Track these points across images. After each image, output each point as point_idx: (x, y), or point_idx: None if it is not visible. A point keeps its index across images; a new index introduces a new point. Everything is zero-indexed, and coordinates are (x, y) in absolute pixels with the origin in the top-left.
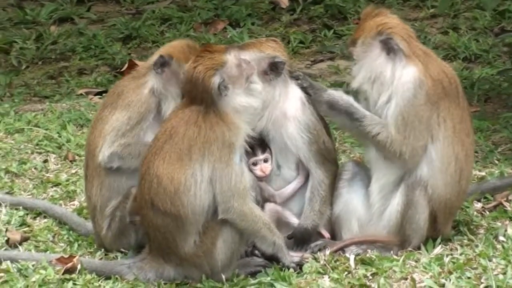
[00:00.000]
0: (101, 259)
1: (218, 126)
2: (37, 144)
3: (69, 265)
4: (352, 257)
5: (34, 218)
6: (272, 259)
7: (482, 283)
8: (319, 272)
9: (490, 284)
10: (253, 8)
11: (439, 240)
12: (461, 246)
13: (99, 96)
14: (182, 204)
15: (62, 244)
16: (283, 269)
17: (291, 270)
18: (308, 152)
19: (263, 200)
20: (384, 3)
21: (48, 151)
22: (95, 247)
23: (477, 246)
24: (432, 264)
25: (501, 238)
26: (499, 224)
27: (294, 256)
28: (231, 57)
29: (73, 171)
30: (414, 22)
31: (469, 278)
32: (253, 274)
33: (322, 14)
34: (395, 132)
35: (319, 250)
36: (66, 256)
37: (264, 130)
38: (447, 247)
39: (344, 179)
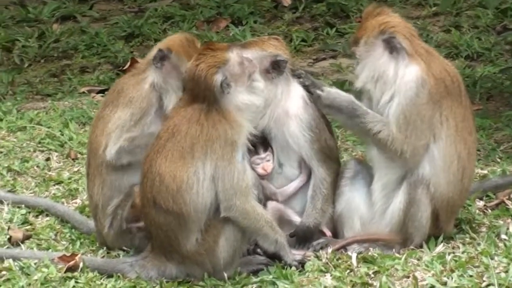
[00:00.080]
0: (103, 257)
1: (221, 124)
2: (40, 142)
3: (71, 263)
4: (354, 255)
5: (36, 216)
6: (274, 257)
7: (484, 281)
8: (321, 270)
9: (492, 282)
10: (256, 6)
11: (441, 238)
12: (463, 244)
13: (102, 94)
14: (185, 202)
15: (64, 242)
16: (285, 267)
17: (293, 268)
18: (310, 150)
19: (265, 198)
20: (386, 1)
21: (51, 149)
22: (97, 245)
23: (479, 244)
24: (434, 262)
25: (503, 236)
26: (501, 222)
27: (296, 254)
28: (233, 55)
29: (76, 169)
30: (416, 20)
31: (471, 276)
32: (255, 272)
33: (325, 12)
34: (396, 130)
35: (321, 248)
36: (68, 254)
37: (266, 128)
38: (449, 245)
39: (346, 177)
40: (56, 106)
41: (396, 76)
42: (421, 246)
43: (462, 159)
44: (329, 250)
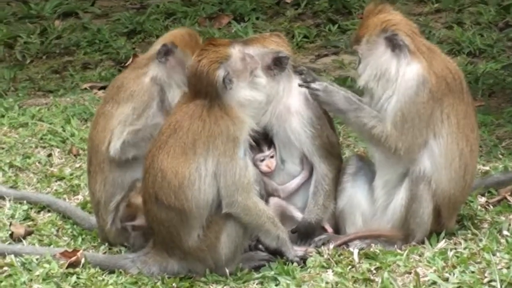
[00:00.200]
0: (105, 253)
1: (223, 120)
2: (41, 138)
3: (73, 259)
4: (356, 251)
5: (38, 212)
6: (276, 253)
7: (486, 277)
8: (323, 266)
9: (494, 278)
10: (258, 2)
11: (443, 234)
12: (465, 240)
13: (103, 91)
14: (186, 198)
15: (66, 238)
16: (287, 263)
17: (295, 264)
18: (311, 147)
19: (267, 194)
20: None
21: (52, 145)
22: (99, 241)
23: (481, 240)
24: (436, 258)
25: (505, 232)
26: (503, 218)
27: (298, 250)
28: (235, 51)
29: (77, 165)
30: (419, 17)
31: (473, 272)
32: (257, 268)
33: (327, 8)
34: (391, 127)
35: (323, 244)
36: (70, 250)
37: (268, 125)
38: (451, 241)
39: (348, 173)
40: (58, 102)
41: (398, 74)
42: (423, 242)
43: (464, 156)
44: (331, 246)
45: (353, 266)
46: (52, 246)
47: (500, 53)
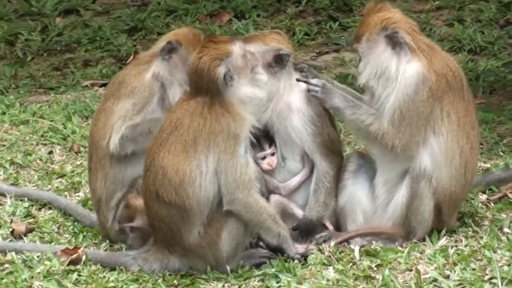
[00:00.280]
0: (106, 250)
1: (224, 118)
2: (42, 136)
3: (74, 256)
4: (357, 249)
5: (39, 209)
6: (277, 251)
7: (486, 274)
8: (323, 264)
9: (494, 275)
10: (259, 0)
11: (444, 231)
12: (466, 237)
13: (104, 88)
14: (187, 195)
15: (67, 236)
16: (288, 260)
17: (296, 261)
18: (312, 144)
19: (268, 192)
20: None
21: (53, 143)
22: (100, 238)
23: (482, 237)
24: (437, 256)
25: (506, 229)
26: (504, 215)
27: (299, 247)
28: (236, 48)
29: (78, 163)
30: (420, 14)
31: (473, 269)
32: (258, 266)
33: (328, 6)
34: (387, 124)
35: (324, 241)
36: (71, 248)
37: (269, 122)
38: (452, 238)
39: (349, 170)
40: (59, 100)
41: (398, 72)
42: (423, 240)
43: (464, 153)
44: (332, 243)
45: (354, 263)
46: (53, 243)
47: (501, 51)
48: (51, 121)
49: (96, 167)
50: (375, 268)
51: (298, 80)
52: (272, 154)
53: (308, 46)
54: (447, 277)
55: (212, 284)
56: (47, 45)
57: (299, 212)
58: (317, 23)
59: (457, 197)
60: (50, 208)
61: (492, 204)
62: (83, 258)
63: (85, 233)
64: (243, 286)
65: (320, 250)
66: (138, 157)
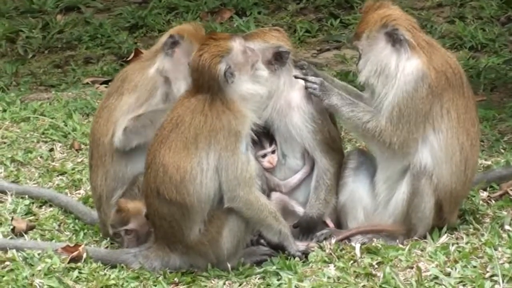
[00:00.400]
0: (106, 248)
1: (225, 115)
2: (43, 133)
3: (75, 254)
4: (358, 246)
5: (40, 207)
6: (278, 248)
7: (487, 272)
8: (324, 261)
9: (495, 273)
10: None
11: (444, 229)
12: (467, 235)
13: (105, 85)
14: (188, 192)
15: (68, 233)
16: (289, 258)
17: (297, 259)
18: (313, 141)
19: (269, 189)
20: None
21: (54, 140)
22: (101, 236)
23: (482, 235)
24: (438, 253)
25: (507, 227)
26: (504, 213)
27: (300, 245)
28: (236, 44)
29: (79, 160)
30: (421, 11)
31: (474, 267)
32: (259, 263)
33: (329, 3)
34: (385, 122)
35: (325, 239)
36: (71, 245)
37: (269, 119)
38: (453, 236)
39: (349, 168)
40: (60, 97)
41: (398, 69)
42: (424, 237)
43: (464, 150)
44: (333, 241)
45: (355, 261)
46: (54, 241)
47: (502, 48)
48: (52, 118)
49: (97, 164)
50: (376, 266)
51: (296, 77)
52: (273, 152)
53: (309, 43)
54: (448, 274)
55: (213, 281)
56: (48, 43)
57: (300, 210)
58: (318, 20)
59: (458, 194)
60: (51, 206)
61: (493, 202)
62: (84, 255)
63: (86, 230)
64: (244, 283)
65: (321, 248)
66: (139, 154)
